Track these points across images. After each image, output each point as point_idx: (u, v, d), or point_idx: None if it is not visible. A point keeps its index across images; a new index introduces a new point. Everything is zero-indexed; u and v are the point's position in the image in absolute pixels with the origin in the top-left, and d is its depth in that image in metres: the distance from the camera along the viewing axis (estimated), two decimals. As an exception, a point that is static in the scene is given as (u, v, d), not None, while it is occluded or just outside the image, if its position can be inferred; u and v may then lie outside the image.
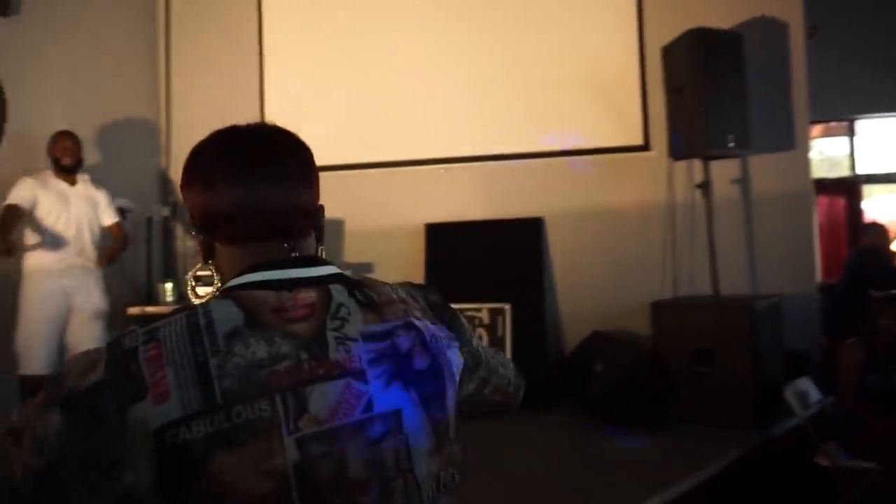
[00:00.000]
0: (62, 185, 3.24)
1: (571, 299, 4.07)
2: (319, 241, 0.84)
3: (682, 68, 3.46)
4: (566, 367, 3.83)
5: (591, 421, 3.31)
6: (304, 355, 0.66)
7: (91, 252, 3.30)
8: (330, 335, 0.69)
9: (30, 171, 3.22)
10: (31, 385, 2.91)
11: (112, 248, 3.37)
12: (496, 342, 3.77)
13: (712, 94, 3.35)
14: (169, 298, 3.54)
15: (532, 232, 4.06)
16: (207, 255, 0.77)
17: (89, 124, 3.86)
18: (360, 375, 0.68)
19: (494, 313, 3.84)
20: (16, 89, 3.39)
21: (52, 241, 3.07)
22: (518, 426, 3.35)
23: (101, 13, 4.10)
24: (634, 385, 3.19)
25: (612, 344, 3.55)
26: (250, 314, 0.66)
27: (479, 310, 3.86)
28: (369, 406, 0.68)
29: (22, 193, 3.06)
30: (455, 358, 0.79)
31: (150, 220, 4.26)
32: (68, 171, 3.27)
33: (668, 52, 3.58)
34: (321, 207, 0.85)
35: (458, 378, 0.79)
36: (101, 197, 3.44)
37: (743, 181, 3.83)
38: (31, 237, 3.10)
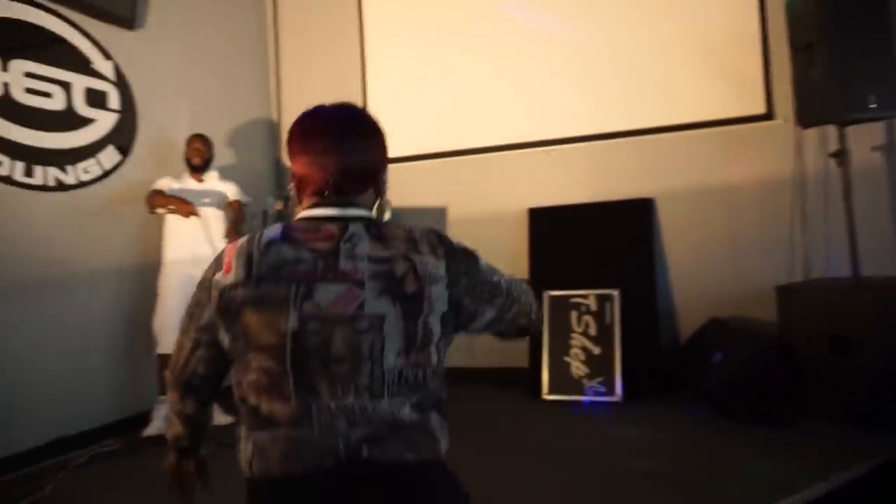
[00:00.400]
0: (192, 182, 3.55)
1: (686, 284, 3.81)
2: (379, 195, 1.12)
3: (811, 22, 3.06)
4: (681, 357, 3.60)
5: (707, 415, 3.09)
6: (320, 263, 0.97)
7: (219, 244, 3.58)
8: (342, 252, 0.98)
9: (162, 173, 3.51)
10: (166, 361, 3.19)
11: (229, 225, 3.61)
12: (605, 330, 3.61)
13: (848, 49, 2.94)
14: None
15: (642, 213, 3.83)
16: (296, 202, 1.11)
17: (211, 124, 4.13)
18: (359, 284, 0.96)
19: (602, 300, 3.67)
20: (146, 97, 3.69)
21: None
22: (628, 417, 3.21)
23: (216, 21, 4.36)
24: (757, 377, 2.93)
25: (732, 332, 3.28)
26: (287, 233, 1.02)
27: (585, 296, 3.72)
28: (361, 307, 0.95)
29: (162, 184, 3.42)
30: (439, 291, 1.00)
31: (265, 214, 4.49)
32: (197, 170, 3.57)
33: (793, 4, 3.21)
34: (382, 170, 1.13)
35: (438, 307, 1.01)
36: (229, 188, 3.74)
37: (887, 148, 3.38)
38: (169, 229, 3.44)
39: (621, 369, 3.51)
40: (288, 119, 4.89)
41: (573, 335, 3.68)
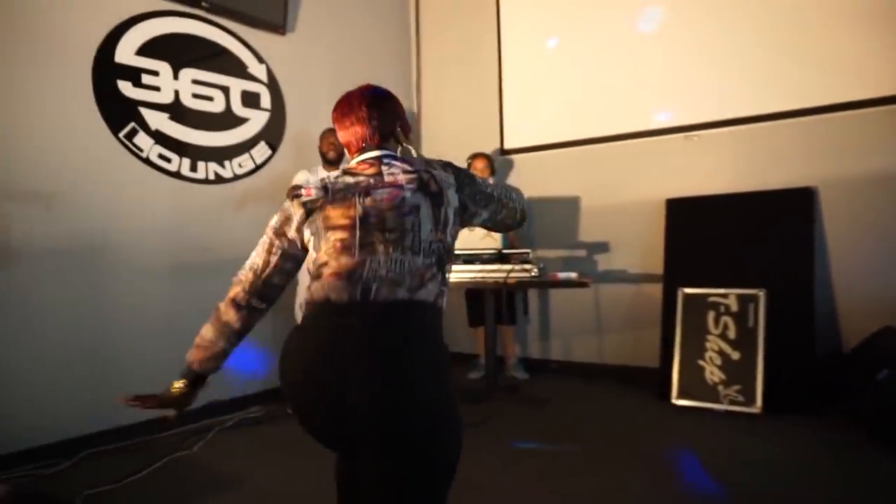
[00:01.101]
0: (326, 174, 3.77)
1: (852, 286, 3.33)
2: (400, 142, 1.51)
3: None
4: (841, 368, 3.16)
5: (863, 438, 2.68)
6: (371, 180, 1.40)
7: None
8: (384, 172, 1.41)
9: (306, 165, 3.81)
10: None
11: None
12: (746, 333, 3.28)
13: None
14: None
15: (800, 205, 3.39)
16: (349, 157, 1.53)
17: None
18: (400, 187, 1.38)
19: (745, 300, 3.33)
20: (294, 96, 4.02)
21: None
22: (767, 433, 2.89)
23: (360, 22, 4.60)
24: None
25: (904, 345, 2.81)
26: (345, 171, 1.44)
27: (725, 295, 3.39)
28: (403, 200, 1.36)
29: (300, 178, 3.64)
30: (452, 193, 1.41)
31: (402, 203, 4.69)
32: (332, 164, 3.76)
33: None
34: (397, 127, 1.52)
35: (453, 203, 1.40)
36: None
37: None
38: None
39: (764, 378, 3.16)
40: (428, 113, 5.07)
41: (709, 337, 3.38)
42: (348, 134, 1.51)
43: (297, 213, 1.44)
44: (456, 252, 3.48)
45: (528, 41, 4.46)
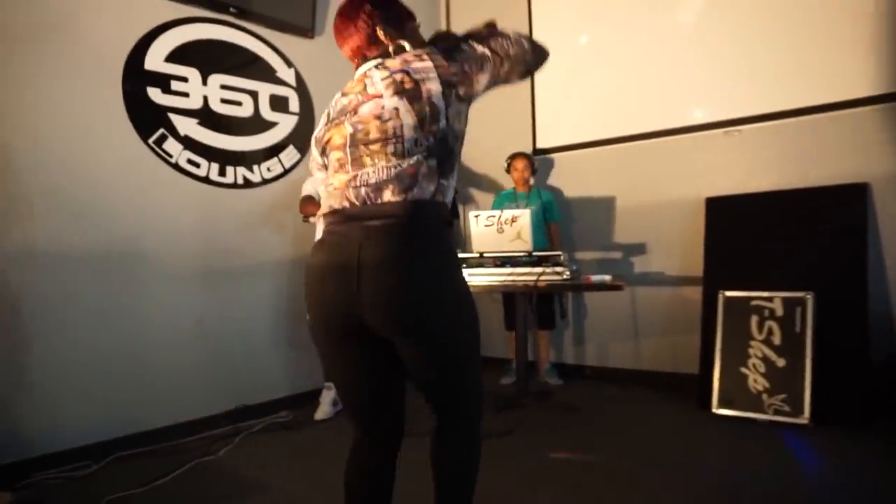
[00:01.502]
0: None
1: (910, 288, 3.11)
2: (393, 40, 1.53)
3: None
4: (898, 377, 2.95)
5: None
6: (358, 97, 1.47)
7: None
8: (367, 84, 1.47)
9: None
10: None
11: None
12: (792, 338, 3.09)
13: None
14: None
15: (852, 202, 3.18)
16: None
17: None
18: (379, 96, 1.43)
19: (791, 304, 3.15)
20: (323, 99, 4.01)
21: None
22: (816, 446, 2.71)
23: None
24: None
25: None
26: (342, 93, 1.54)
27: (769, 298, 3.21)
28: (382, 108, 1.42)
29: (310, 187, 3.48)
30: (432, 81, 1.41)
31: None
32: None
33: None
34: (394, 22, 1.55)
35: (434, 91, 1.41)
36: None
37: None
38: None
39: (812, 387, 2.97)
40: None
41: (753, 343, 3.20)
42: (347, 48, 1.56)
43: (315, 149, 1.59)
44: (485, 254, 3.42)
45: (560, 37, 4.34)
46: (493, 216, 3.42)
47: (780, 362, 3.10)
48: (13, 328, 2.70)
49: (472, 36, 1.50)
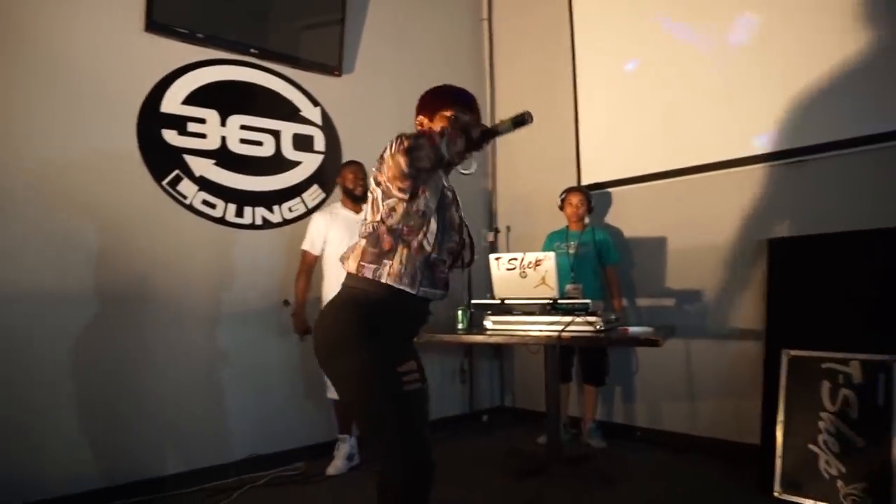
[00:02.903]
0: (349, 214, 3.37)
1: None
2: None
3: None
4: None
5: None
6: None
7: None
8: None
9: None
10: (338, 405, 3.31)
11: None
12: (873, 413, 2.52)
13: None
14: (459, 326, 3.50)
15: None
16: None
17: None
18: None
19: (872, 368, 2.58)
20: (351, 136, 3.90)
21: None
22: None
23: (428, 57, 4.42)
24: None
25: None
26: None
27: (845, 361, 2.66)
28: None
29: (312, 237, 3.31)
30: (371, 182, 1.67)
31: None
32: (357, 200, 3.37)
33: None
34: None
35: (373, 191, 1.66)
36: None
37: None
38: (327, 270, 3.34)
39: (899, 475, 2.40)
40: (503, 149, 4.73)
41: (823, 415, 2.66)
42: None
43: None
44: (505, 301, 3.09)
45: (604, 65, 4.01)
46: (515, 259, 3.10)
47: (860, 442, 2.54)
48: (16, 371, 2.69)
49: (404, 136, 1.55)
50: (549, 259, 3.03)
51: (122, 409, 2.94)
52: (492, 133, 1.53)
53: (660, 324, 3.50)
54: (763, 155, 3.25)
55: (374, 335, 1.55)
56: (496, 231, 4.63)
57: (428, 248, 1.59)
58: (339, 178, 3.44)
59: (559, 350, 3.66)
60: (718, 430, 3.35)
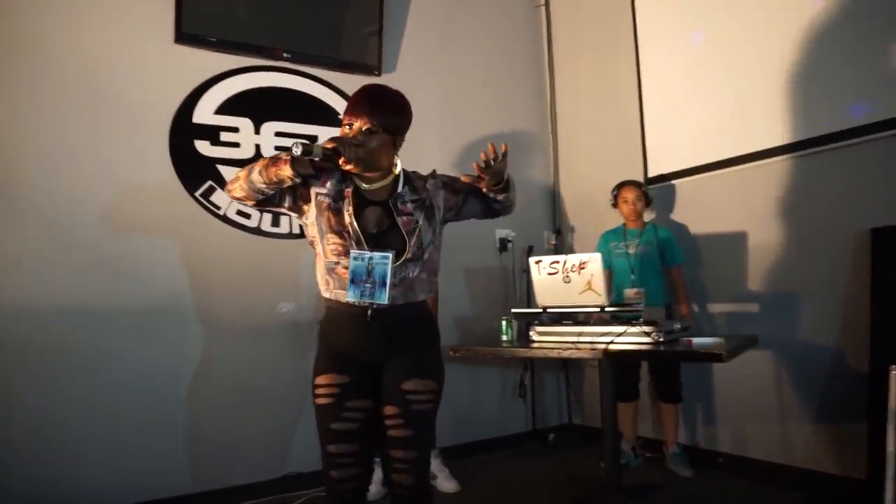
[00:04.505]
0: None
1: None
2: None
3: None
4: None
5: None
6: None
7: None
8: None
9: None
10: None
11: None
12: None
13: None
14: (503, 338, 3.19)
15: None
16: None
17: (471, 156, 3.95)
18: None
19: None
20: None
21: None
22: None
23: (480, 49, 4.17)
24: None
25: None
26: None
27: (975, 379, 2.09)
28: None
29: None
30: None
31: (530, 249, 4.04)
32: None
33: None
34: None
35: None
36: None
37: None
38: None
39: None
40: (564, 145, 4.36)
41: (946, 447, 2.10)
42: None
43: None
44: (547, 310, 2.78)
45: (669, 39, 3.57)
46: (557, 262, 2.76)
47: None
48: (48, 385, 2.73)
49: None
50: (595, 261, 2.67)
51: (150, 424, 2.89)
52: (307, 154, 1.51)
53: (740, 333, 3.01)
54: (863, 126, 2.68)
55: (320, 346, 1.78)
56: (558, 233, 4.27)
57: (323, 255, 1.72)
58: None
59: (617, 363, 3.27)
60: (815, 461, 2.81)
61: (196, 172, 3.13)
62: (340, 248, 1.69)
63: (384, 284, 1.65)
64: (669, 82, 3.58)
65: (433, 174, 1.85)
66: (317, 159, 1.53)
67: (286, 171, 1.57)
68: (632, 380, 3.34)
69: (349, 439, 1.68)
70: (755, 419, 3.11)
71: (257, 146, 3.30)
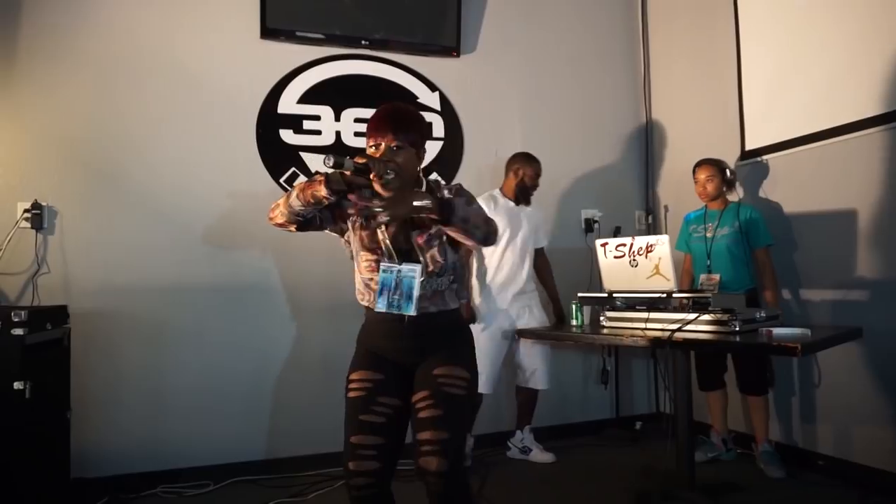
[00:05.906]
0: (511, 205, 3.29)
1: None
2: None
3: None
4: None
5: None
6: None
7: (532, 273, 3.35)
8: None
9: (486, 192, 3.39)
10: (478, 401, 3.13)
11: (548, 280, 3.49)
12: None
13: None
14: (574, 322, 3.07)
15: None
16: None
17: (560, 140, 3.87)
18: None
19: None
20: (472, 120, 3.71)
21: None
22: None
23: (567, 27, 4.03)
24: None
25: None
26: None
27: None
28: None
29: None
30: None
31: (617, 230, 3.86)
32: (522, 200, 3.31)
33: None
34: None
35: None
36: (541, 218, 3.46)
37: None
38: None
39: None
40: (658, 119, 4.09)
41: None
42: None
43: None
44: (613, 294, 2.67)
45: (769, 33, 3.23)
46: (624, 245, 2.64)
47: None
48: (153, 354, 3.08)
49: None
50: (663, 244, 2.53)
51: (243, 391, 3.18)
52: (338, 166, 1.50)
53: (842, 324, 2.71)
54: None
55: (357, 348, 1.87)
56: (649, 213, 4.04)
57: (358, 271, 1.81)
58: (514, 168, 3.31)
59: (696, 352, 3.07)
60: (880, 460, 2.46)
61: (281, 160, 3.34)
62: (374, 265, 1.74)
63: (411, 297, 1.68)
64: (772, 47, 3.23)
65: (459, 187, 1.77)
66: (348, 172, 1.53)
67: (322, 191, 1.58)
68: (715, 369, 3.12)
69: (373, 431, 1.67)
70: (861, 419, 2.79)
71: (337, 133, 3.45)
